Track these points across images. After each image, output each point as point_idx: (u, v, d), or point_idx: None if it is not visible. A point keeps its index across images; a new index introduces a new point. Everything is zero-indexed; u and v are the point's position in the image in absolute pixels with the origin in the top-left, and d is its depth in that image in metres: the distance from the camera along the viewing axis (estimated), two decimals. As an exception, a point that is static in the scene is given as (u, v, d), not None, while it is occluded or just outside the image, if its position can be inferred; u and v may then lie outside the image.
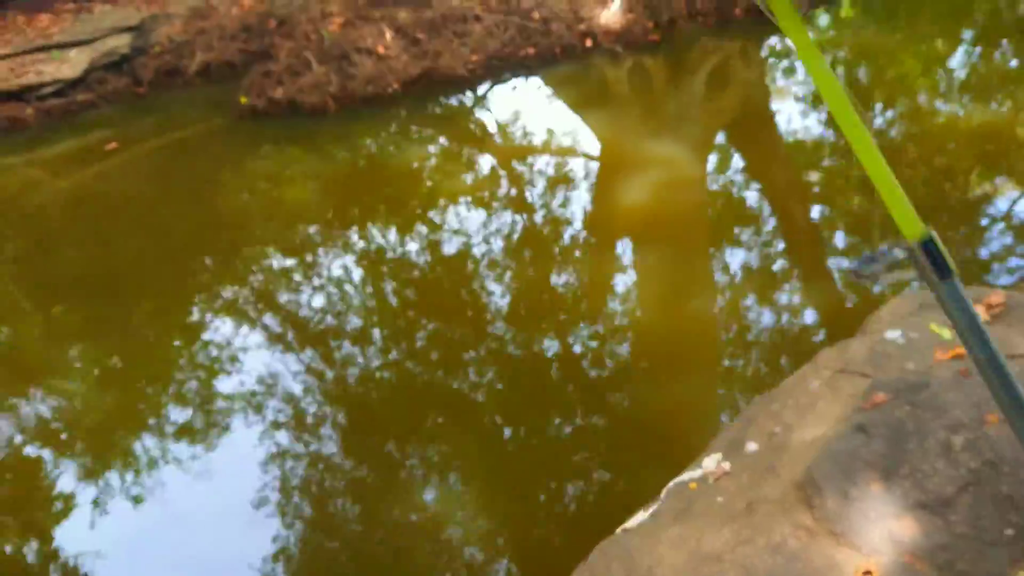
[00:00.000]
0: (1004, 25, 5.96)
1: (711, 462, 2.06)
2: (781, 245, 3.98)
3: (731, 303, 3.57)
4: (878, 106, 5.05)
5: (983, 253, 3.58)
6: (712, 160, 4.86)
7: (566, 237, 4.29)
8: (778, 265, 3.83)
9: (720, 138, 5.13)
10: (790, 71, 5.81)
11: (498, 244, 4.31)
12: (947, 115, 4.76)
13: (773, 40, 6.24)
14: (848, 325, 3.33)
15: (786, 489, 1.87)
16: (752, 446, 2.07)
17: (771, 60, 6.11)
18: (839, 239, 3.93)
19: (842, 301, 3.48)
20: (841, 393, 2.11)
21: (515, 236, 4.36)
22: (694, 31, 6.33)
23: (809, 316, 3.48)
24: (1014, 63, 5.33)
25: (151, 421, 3.43)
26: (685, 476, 2.07)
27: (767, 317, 3.46)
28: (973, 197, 3.95)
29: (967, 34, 5.96)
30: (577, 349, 3.45)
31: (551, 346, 3.48)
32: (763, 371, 3.17)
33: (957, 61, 5.53)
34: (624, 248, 4.11)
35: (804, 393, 2.17)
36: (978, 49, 5.64)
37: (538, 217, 4.52)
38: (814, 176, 4.53)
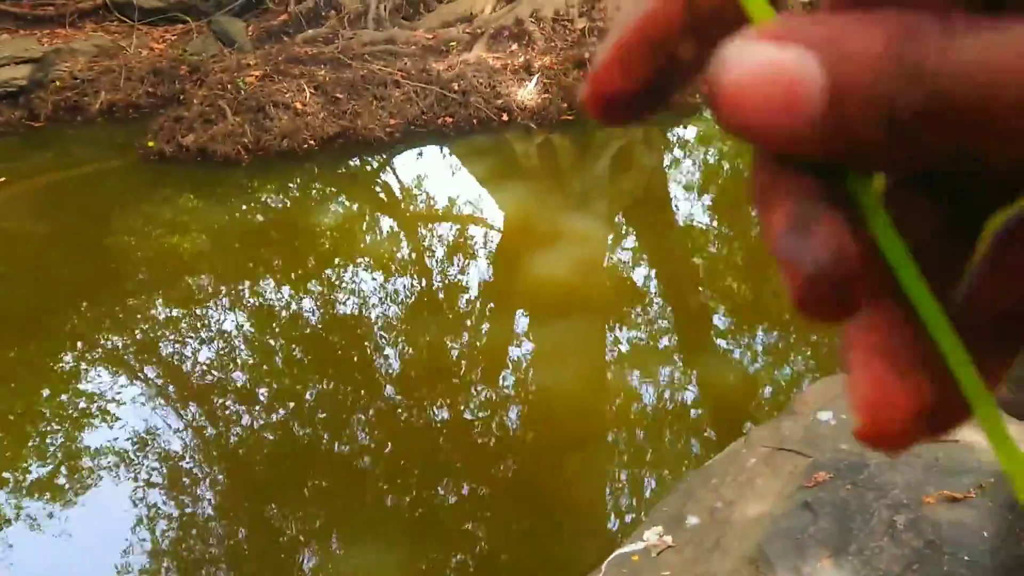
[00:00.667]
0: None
1: (652, 535, 2.05)
2: (670, 323, 4.09)
3: (621, 377, 3.62)
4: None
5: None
6: (611, 238, 4.99)
7: (462, 303, 4.28)
8: (667, 341, 3.92)
9: (620, 217, 5.29)
10: (683, 162, 6.11)
11: (393, 307, 4.25)
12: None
13: (676, 130, 6.57)
14: (735, 400, 3.45)
15: (736, 564, 1.88)
16: (693, 520, 2.08)
17: (672, 149, 6.41)
18: (723, 320, 4.07)
19: (725, 379, 3.58)
20: (780, 471, 2.16)
21: (411, 300, 4.31)
22: (606, 115, 6.59)
23: (693, 392, 3.55)
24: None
25: (6, 475, 3.14)
26: (627, 548, 2.05)
27: (654, 392, 3.51)
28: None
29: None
30: (470, 415, 3.40)
31: (443, 412, 3.42)
32: (645, 442, 3.20)
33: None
34: (521, 318, 4.13)
35: (741, 469, 2.21)
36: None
37: (436, 282, 4.50)
38: (699, 260, 4.72)
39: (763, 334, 3.84)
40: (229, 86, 6.34)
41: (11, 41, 7.70)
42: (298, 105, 6.11)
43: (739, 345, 3.82)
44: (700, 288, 4.36)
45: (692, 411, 3.40)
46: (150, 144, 5.94)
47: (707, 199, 5.43)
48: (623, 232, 5.14)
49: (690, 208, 5.32)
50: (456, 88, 6.47)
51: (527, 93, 6.53)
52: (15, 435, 3.37)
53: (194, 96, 6.43)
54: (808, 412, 2.38)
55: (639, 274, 4.59)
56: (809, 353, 3.70)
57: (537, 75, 6.67)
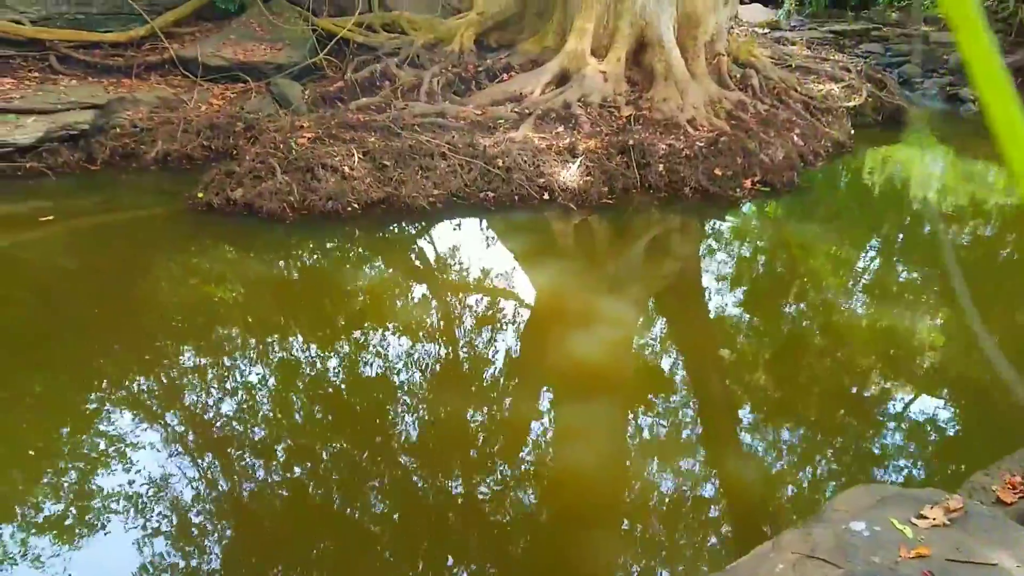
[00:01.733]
0: (912, 238, 6.46)
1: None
2: (695, 414, 4.04)
3: (641, 464, 3.56)
4: (792, 294, 5.35)
5: (875, 448, 3.70)
6: (641, 323, 4.99)
7: (487, 377, 4.27)
8: (689, 432, 3.87)
9: (651, 303, 5.30)
10: (718, 253, 6.12)
11: (417, 374, 4.25)
12: (852, 312, 5.05)
13: (713, 221, 6.61)
14: (755, 498, 3.37)
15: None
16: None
17: (708, 240, 6.44)
18: (748, 415, 4.02)
19: (747, 475, 3.51)
20: (810, 579, 2.09)
21: (436, 368, 4.31)
22: (645, 201, 6.67)
23: (713, 486, 3.47)
24: (916, 275, 5.73)
25: (18, 509, 3.14)
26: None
27: (674, 482, 3.43)
28: (872, 395, 4.13)
29: (875, 242, 6.43)
30: (485, 490, 3.36)
31: (458, 485, 3.37)
32: (661, 534, 3.12)
33: (866, 263, 5.93)
34: (544, 396, 4.11)
35: (769, 574, 2.14)
36: (882, 255, 6.06)
37: (462, 353, 4.51)
38: (727, 352, 4.69)
39: (788, 433, 3.77)
40: (281, 145, 6.53)
41: (79, 87, 8.04)
42: (346, 169, 6.27)
43: (763, 442, 3.75)
44: (726, 381, 4.32)
45: (711, 506, 3.32)
46: (200, 195, 6.10)
47: (739, 292, 5.42)
48: (653, 318, 5.13)
49: (722, 299, 5.31)
50: (500, 164, 6.60)
51: (570, 174, 6.64)
52: (31, 471, 3.38)
53: (247, 152, 6.63)
54: (840, 520, 2.32)
55: (666, 361, 4.56)
56: (834, 457, 3.63)
57: (581, 157, 6.79)
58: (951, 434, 3.85)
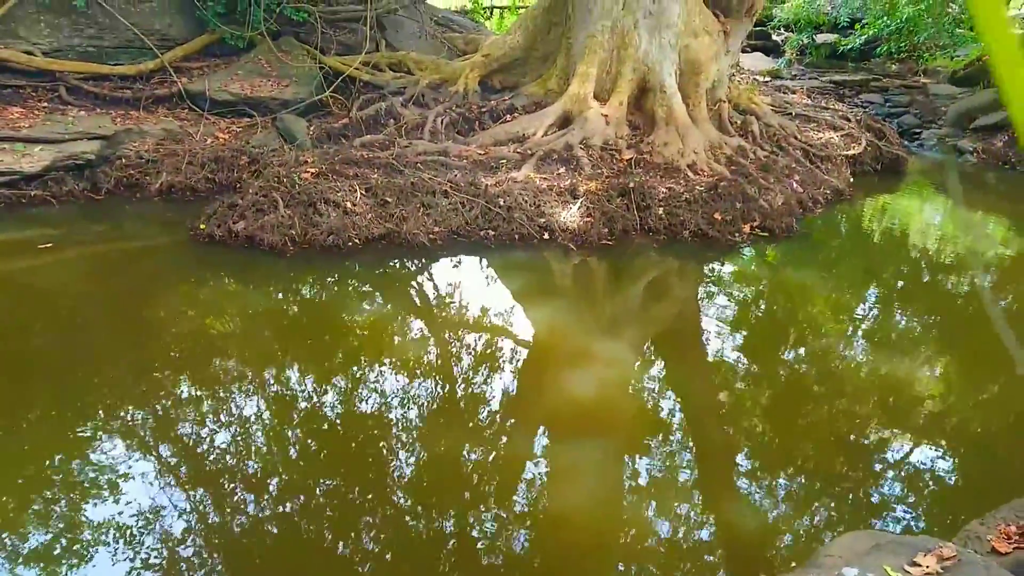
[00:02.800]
0: (912, 285, 6.48)
1: None
2: (691, 458, 4.02)
3: (635, 507, 3.53)
4: (790, 339, 5.35)
5: (873, 496, 3.67)
6: (638, 365, 4.98)
7: (482, 415, 4.25)
8: (686, 476, 3.84)
9: (649, 345, 5.29)
10: (717, 297, 6.13)
11: (413, 411, 4.23)
12: (850, 359, 5.04)
13: (712, 265, 6.64)
14: (751, 544, 3.33)
15: None
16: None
17: (707, 284, 6.46)
18: (745, 460, 3.99)
19: (743, 521, 3.47)
20: (797, 625, 2.06)
21: (432, 405, 4.29)
22: (644, 243, 6.70)
23: (709, 531, 3.44)
24: (917, 322, 5.74)
25: (8, 535, 3.11)
26: None
27: (669, 527, 3.41)
28: (870, 442, 4.10)
29: (875, 289, 6.44)
30: (477, 531, 3.32)
31: (450, 524, 3.33)
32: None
33: (865, 310, 5.93)
34: (539, 436, 4.08)
35: None
36: (881, 302, 6.07)
37: (458, 391, 4.49)
38: (725, 397, 4.67)
39: (785, 479, 3.74)
40: (285, 180, 6.59)
41: (87, 118, 8.14)
42: (348, 204, 6.31)
43: (760, 488, 3.72)
44: (723, 425, 4.30)
45: (706, 552, 3.29)
46: (202, 227, 6.14)
47: (737, 336, 5.42)
48: (651, 360, 5.12)
49: (719, 343, 5.31)
50: (502, 203, 6.65)
51: (570, 215, 6.69)
52: (20, 498, 3.36)
53: (250, 186, 6.69)
54: (834, 566, 2.30)
55: (663, 404, 4.54)
56: (833, 505, 3.59)
57: (581, 199, 6.85)
58: (950, 483, 3.82)
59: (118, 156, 7.44)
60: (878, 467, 3.85)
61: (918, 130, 11.88)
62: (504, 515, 3.42)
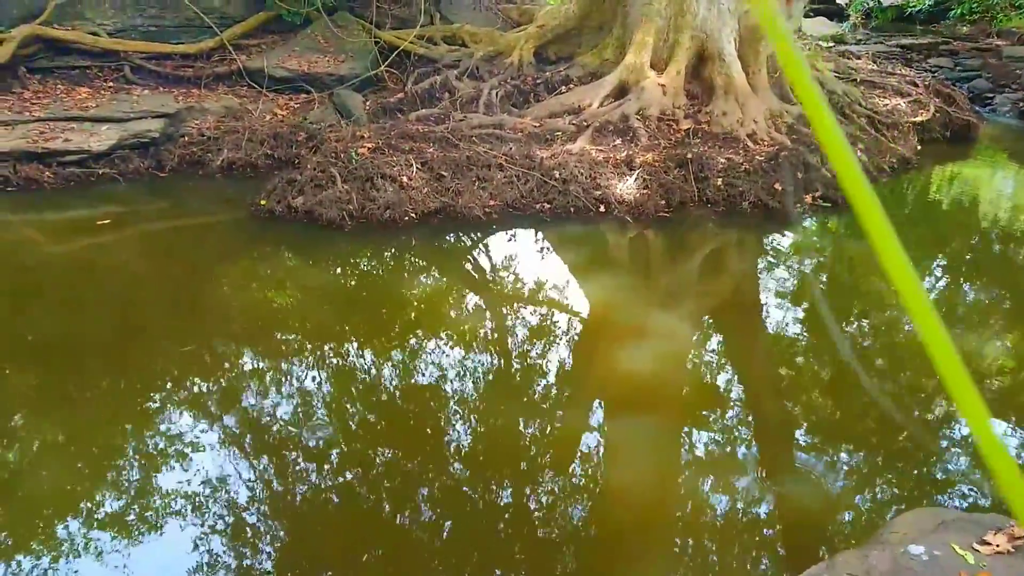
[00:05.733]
0: (981, 258, 6.25)
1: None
2: (748, 433, 3.96)
3: (693, 482, 3.51)
4: (852, 312, 5.21)
5: (938, 473, 3.58)
6: (696, 338, 4.92)
7: (539, 388, 4.26)
8: (744, 450, 3.79)
9: (706, 318, 5.22)
10: (776, 269, 6.01)
11: (469, 384, 4.26)
12: (915, 333, 4.89)
13: (772, 237, 6.51)
14: (811, 521, 3.28)
15: None
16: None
17: (766, 256, 6.34)
18: (804, 435, 3.93)
19: (802, 497, 3.43)
20: (864, 601, 2.04)
21: (488, 378, 4.32)
22: (702, 215, 6.59)
23: (768, 507, 3.40)
24: (984, 296, 5.54)
25: (82, 505, 3.24)
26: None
27: (727, 502, 3.37)
28: (935, 417, 3.99)
29: (942, 260, 6.23)
30: (534, 503, 3.34)
31: (507, 495, 3.36)
32: (712, 553, 3.06)
33: (931, 282, 5.74)
34: (595, 409, 4.08)
35: None
36: (949, 273, 5.87)
37: (514, 364, 4.51)
38: (786, 371, 4.59)
39: (846, 455, 3.68)
40: (342, 155, 6.66)
41: (150, 97, 8.33)
42: (404, 179, 6.35)
43: (820, 463, 3.66)
44: (783, 400, 4.23)
45: (765, 527, 3.26)
46: (262, 203, 6.26)
47: (797, 310, 5.31)
48: (708, 334, 5.06)
49: (779, 317, 5.21)
50: (557, 176, 6.61)
51: (626, 187, 6.61)
52: (93, 467, 3.50)
53: (308, 161, 6.77)
54: (899, 543, 2.26)
55: (721, 378, 4.49)
56: (895, 481, 3.52)
57: (638, 171, 6.76)
58: (1021, 460, 3.71)
59: (181, 134, 7.60)
60: (945, 442, 3.76)
61: (990, 95, 11.39)
62: (560, 488, 3.44)
